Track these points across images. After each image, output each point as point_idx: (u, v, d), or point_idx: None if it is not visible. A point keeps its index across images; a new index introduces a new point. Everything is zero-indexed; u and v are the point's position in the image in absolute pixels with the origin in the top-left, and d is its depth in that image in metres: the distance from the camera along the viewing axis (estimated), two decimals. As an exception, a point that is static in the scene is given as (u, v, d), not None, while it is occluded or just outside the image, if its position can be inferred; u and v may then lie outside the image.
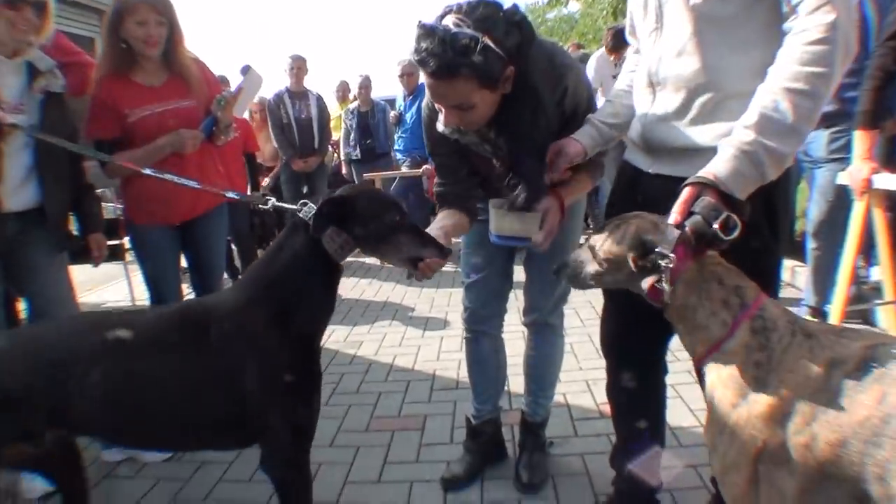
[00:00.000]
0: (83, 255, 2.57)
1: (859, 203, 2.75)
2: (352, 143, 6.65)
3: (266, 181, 6.03)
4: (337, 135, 7.27)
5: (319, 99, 5.99)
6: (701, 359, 1.28)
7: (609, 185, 5.56)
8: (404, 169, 6.42)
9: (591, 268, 1.39)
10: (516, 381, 2.57)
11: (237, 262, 5.31)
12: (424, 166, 5.64)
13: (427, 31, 1.50)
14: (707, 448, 1.30)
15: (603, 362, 1.88)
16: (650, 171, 1.58)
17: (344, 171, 7.04)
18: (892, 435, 1.01)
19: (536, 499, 2.18)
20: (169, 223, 2.63)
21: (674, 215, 1.22)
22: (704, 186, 1.20)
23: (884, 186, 2.62)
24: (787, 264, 4.19)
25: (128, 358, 1.52)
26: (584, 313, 3.93)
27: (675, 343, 1.45)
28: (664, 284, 1.22)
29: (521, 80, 1.62)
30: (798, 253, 4.03)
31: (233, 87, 2.72)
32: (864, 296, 3.54)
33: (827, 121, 3.06)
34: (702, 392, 1.31)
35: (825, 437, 1.07)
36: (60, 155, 2.20)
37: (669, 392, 1.89)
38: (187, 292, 2.94)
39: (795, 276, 4.23)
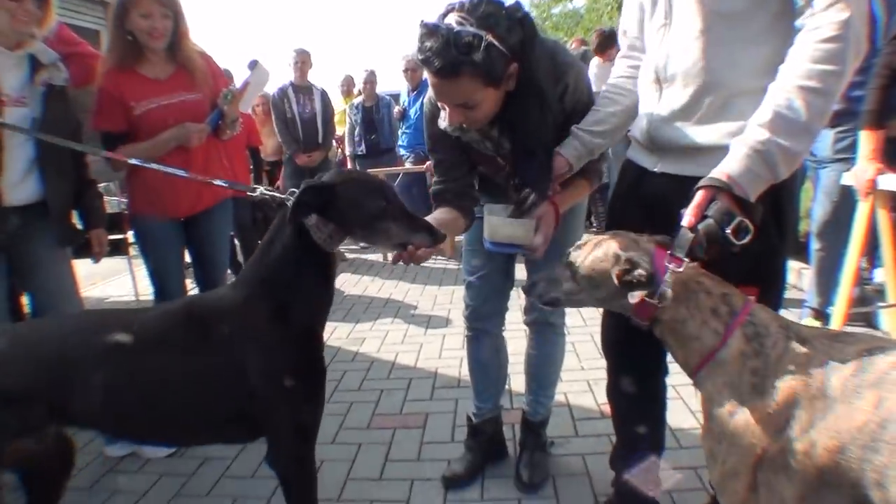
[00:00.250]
0: (85, 249, 2.58)
1: (864, 204, 2.74)
2: (356, 139, 6.65)
3: (279, 183, 6.03)
4: (341, 129, 7.27)
5: (323, 93, 5.98)
6: (696, 370, 1.27)
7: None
8: (408, 164, 6.42)
9: (567, 286, 1.38)
10: (518, 380, 2.57)
11: (240, 257, 5.32)
12: (428, 162, 5.63)
13: (430, 31, 1.50)
14: (706, 455, 1.30)
15: (604, 362, 1.88)
16: (655, 169, 1.56)
17: (349, 166, 7.04)
18: (889, 440, 1.01)
19: (536, 498, 2.18)
20: (173, 217, 2.64)
21: (687, 218, 1.20)
22: (718, 190, 1.19)
23: (889, 187, 2.61)
24: (793, 266, 4.18)
25: (133, 355, 1.52)
26: (586, 313, 3.92)
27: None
28: (667, 291, 1.21)
29: (525, 77, 1.61)
30: (802, 254, 4.02)
31: (238, 82, 2.71)
32: (867, 297, 3.53)
33: (832, 120, 3.04)
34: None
35: (823, 443, 1.07)
36: (63, 149, 2.19)
37: (670, 393, 1.89)
38: (191, 287, 2.94)
39: (801, 277, 4.22)
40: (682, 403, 2.66)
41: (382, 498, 2.24)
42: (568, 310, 2.29)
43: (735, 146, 1.23)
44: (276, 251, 1.54)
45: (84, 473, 2.50)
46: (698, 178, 1.32)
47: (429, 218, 1.79)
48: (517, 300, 2.28)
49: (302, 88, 5.83)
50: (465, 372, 2.72)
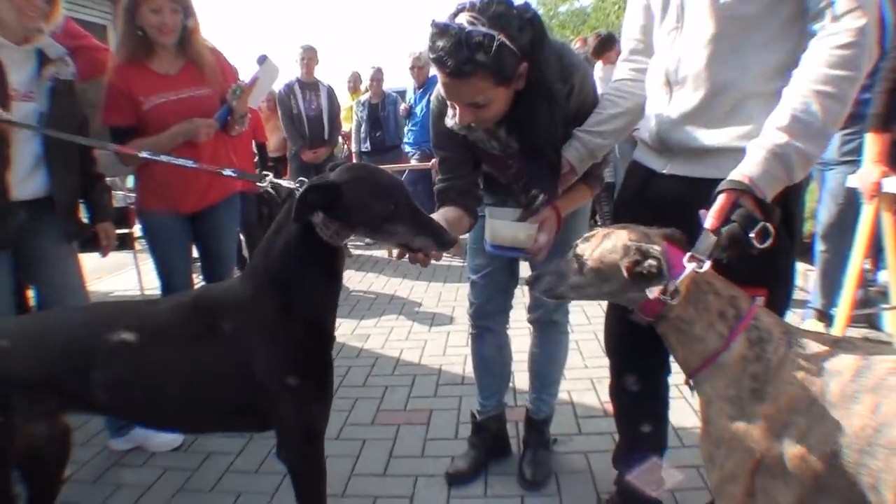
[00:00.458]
0: (92, 243, 2.58)
1: (868, 206, 2.74)
2: (362, 135, 6.66)
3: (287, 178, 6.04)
4: (347, 126, 7.28)
5: (330, 90, 5.99)
6: (695, 371, 1.28)
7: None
8: (414, 161, 6.43)
9: (575, 279, 1.37)
10: (522, 378, 2.58)
11: (245, 252, 5.34)
12: (434, 159, 5.62)
13: (442, 30, 1.50)
14: (704, 459, 1.30)
15: (608, 360, 1.89)
16: (664, 171, 1.57)
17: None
18: (885, 444, 1.02)
19: (539, 495, 2.19)
20: (180, 212, 2.65)
21: (710, 221, 1.20)
22: (741, 193, 1.19)
23: (893, 190, 2.61)
24: (797, 267, 4.17)
25: (144, 344, 1.54)
26: (590, 311, 3.93)
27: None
28: (677, 286, 1.21)
29: (534, 76, 1.62)
30: (806, 255, 4.02)
31: (245, 79, 2.72)
32: (870, 299, 3.53)
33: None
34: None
35: (821, 448, 1.09)
36: (69, 144, 2.20)
37: (672, 392, 1.90)
38: (198, 281, 2.96)
39: (806, 278, 4.21)
40: (685, 402, 2.67)
41: (386, 494, 2.26)
42: (571, 308, 2.30)
43: (752, 149, 1.23)
44: (280, 246, 1.52)
45: (89, 467, 2.52)
46: (708, 180, 1.33)
47: (434, 216, 1.76)
48: (521, 298, 2.29)
49: (308, 85, 5.84)
50: (469, 369, 2.74)
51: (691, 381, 1.33)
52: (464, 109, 1.66)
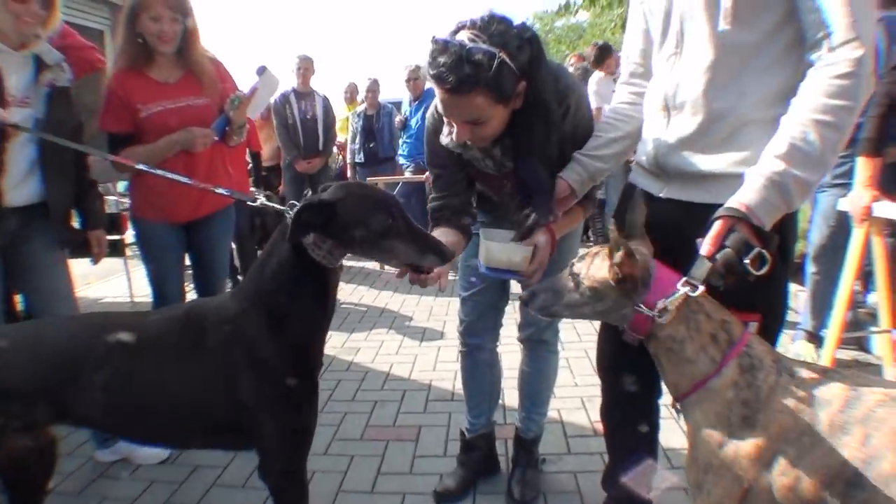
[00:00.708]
0: (83, 249, 2.57)
1: (859, 230, 2.76)
2: (356, 146, 6.67)
3: (282, 189, 6.04)
4: (343, 136, 7.29)
5: (325, 100, 6.00)
6: (684, 395, 1.28)
7: (615, 197, 5.57)
8: (408, 174, 6.44)
9: (571, 297, 1.37)
10: (512, 395, 2.57)
11: (237, 262, 5.32)
12: (428, 173, 5.63)
13: (443, 47, 1.50)
14: (690, 485, 1.29)
15: (598, 379, 1.89)
16: (661, 195, 1.57)
17: (349, 173, 7.05)
18: (874, 476, 1.02)
19: (527, 515, 2.18)
20: (174, 221, 2.64)
21: (705, 247, 1.21)
22: (737, 220, 1.20)
23: (884, 215, 2.64)
24: (790, 288, 4.18)
25: (131, 358, 1.54)
26: (581, 328, 3.94)
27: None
28: (667, 305, 1.22)
29: (531, 95, 1.63)
30: (797, 275, 4.04)
31: (244, 89, 2.70)
32: (860, 321, 3.55)
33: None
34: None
35: (809, 478, 1.08)
36: (64, 150, 2.19)
37: (663, 413, 1.89)
38: (189, 289, 2.94)
39: (796, 299, 4.23)
40: (675, 423, 2.66)
41: (373, 511, 2.24)
42: (562, 325, 2.30)
43: (751, 177, 1.24)
44: (272, 266, 1.52)
45: (74, 478, 2.50)
46: (704, 205, 1.34)
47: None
48: (512, 314, 2.29)
49: (304, 94, 5.84)
50: (458, 385, 2.73)
51: (678, 405, 1.33)
52: (461, 127, 1.65)
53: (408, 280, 1.59)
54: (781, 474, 1.12)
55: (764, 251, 1.16)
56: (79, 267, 2.63)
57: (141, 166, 2.10)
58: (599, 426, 2.02)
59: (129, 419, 1.60)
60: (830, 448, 1.07)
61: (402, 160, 6.68)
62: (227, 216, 2.81)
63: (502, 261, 1.72)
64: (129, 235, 4.59)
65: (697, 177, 1.46)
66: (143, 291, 3.32)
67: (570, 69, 6.77)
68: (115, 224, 4.83)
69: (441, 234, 1.87)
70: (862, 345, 3.47)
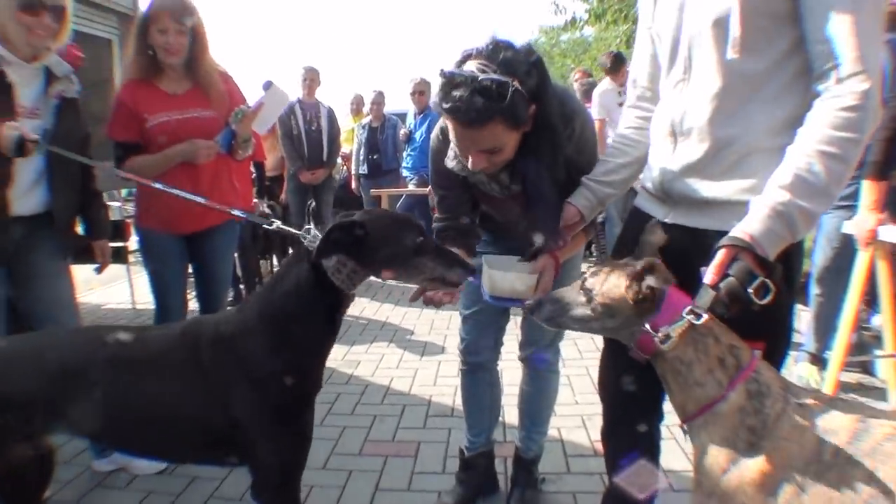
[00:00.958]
0: (86, 254, 2.59)
1: (864, 253, 2.75)
2: (360, 158, 6.69)
3: (283, 197, 6.04)
4: (348, 147, 7.30)
5: (330, 111, 6.03)
6: (691, 418, 1.27)
7: (615, 212, 5.55)
8: (411, 186, 6.45)
9: (581, 311, 1.36)
10: (512, 412, 2.55)
11: (238, 272, 5.31)
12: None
13: (455, 80, 1.49)
14: None
15: (599, 398, 1.87)
16: (666, 220, 1.57)
17: (353, 185, 7.05)
18: None
19: (526, 536, 2.17)
20: (178, 233, 2.65)
21: (709, 276, 1.21)
22: (740, 249, 1.20)
23: (889, 239, 2.63)
24: (795, 309, 4.17)
25: (129, 372, 1.53)
26: (582, 345, 3.92)
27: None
28: (670, 332, 1.21)
29: (540, 118, 1.62)
30: (800, 295, 4.02)
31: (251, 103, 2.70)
32: (865, 343, 3.53)
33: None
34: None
35: None
36: (71, 160, 2.21)
37: (664, 433, 1.88)
38: (192, 297, 2.94)
39: (799, 319, 4.22)
40: (676, 444, 2.65)
41: (371, 528, 2.23)
42: (563, 341, 2.29)
43: (756, 206, 1.24)
44: (286, 287, 1.52)
45: (70, 488, 2.48)
46: (709, 231, 1.35)
47: None
48: (514, 330, 2.28)
49: (309, 105, 5.87)
50: (459, 400, 2.71)
51: (685, 427, 1.32)
52: (477, 156, 1.64)
53: (423, 301, 1.62)
54: (786, 503, 1.10)
55: (767, 280, 1.16)
56: (81, 272, 2.63)
57: (158, 185, 2.10)
58: (599, 445, 2.00)
59: (122, 432, 1.59)
60: (837, 480, 1.06)
61: (405, 172, 6.69)
62: (231, 228, 2.81)
63: (506, 289, 1.72)
64: (133, 242, 4.60)
65: (703, 203, 1.46)
66: (145, 298, 3.32)
67: (576, 84, 6.80)
68: (118, 231, 4.84)
69: None
70: (866, 368, 3.45)
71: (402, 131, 6.59)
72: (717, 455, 1.20)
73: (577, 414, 3.04)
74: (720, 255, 1.21)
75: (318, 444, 1.66)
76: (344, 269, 1.48)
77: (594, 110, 5.68)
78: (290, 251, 7.12)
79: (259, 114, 2.58)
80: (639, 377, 1.66)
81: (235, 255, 5.11)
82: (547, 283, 1.73)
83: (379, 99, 6.63)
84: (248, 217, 2.12)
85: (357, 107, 7.81)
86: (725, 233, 1.24)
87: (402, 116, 6.85)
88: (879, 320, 3.07)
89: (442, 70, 1.52)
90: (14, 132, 1.98)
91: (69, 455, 2.68)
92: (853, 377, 3.39)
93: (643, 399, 1.73)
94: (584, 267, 2.06)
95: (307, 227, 1.54)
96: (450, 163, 1.77)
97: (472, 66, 1.50)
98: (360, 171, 6.72)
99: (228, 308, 2.76)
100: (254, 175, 5.51)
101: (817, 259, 3.36)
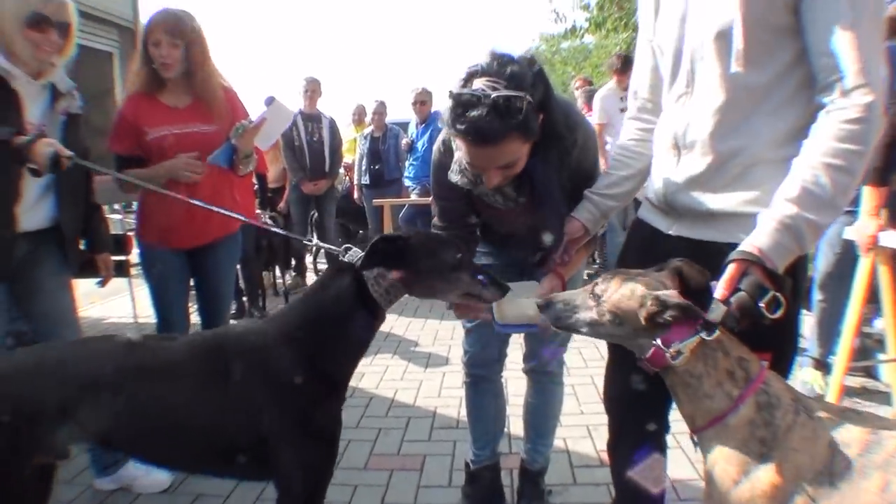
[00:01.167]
0: (88, 268, 2.58)
1: (865, 259, 2.75)
2: (363, 168, 6.70)
3: (281, 205, 6.05)
4: (350, 158, 7.32)
5: (332, 122, 6.04)
6: (700, 430, 1.26)
7: (616, 220, 5.52)
8: (414, 196, 6.45)
9: (588, 315, 1.36)
10: (517, 424, 2.54)
11: (241, 284, 5.31)
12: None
13: (468, 101, 1.48)
14: None
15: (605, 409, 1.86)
16: (670, 232, 1.57)
17: (356, 195, 7.06)
18: None
19: (533, 549, 2.15)
20: (179, 248, 2.64)
21: (720, 291, 1.21)
22: (750, 263, 1.20)
23: (890, 244, 2.63)
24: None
25: (155, 381, 1.53)
26: (587, 354, 3.91)
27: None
28: (681, 349, 1.21)
29: (547, 127, 1.62)
30: (804, 300, 4.01)
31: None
32: (867, 348, 3.52)
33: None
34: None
35: None
36: (77, 175, 2.22)
37: (670, 442, 1.87)
38: (193, 310, 2.93)
39: (803, 324, 4.20)
40: (682, 453, 2.63)
41: (377, 543, 2.21)
42: (568, 351, 2.29)
43: (764, 220, 1.24)
44: (325, 298, 1.54)
45: (73, 506, 2.47)
46: (714, 243, 1.36)
47: None
48: (518, 340, 2.28)
49: (311, 116, 5.89)
50: (464, 412, 2.70)
51: (695, 437, 1.32)
52: (493, 173, 1.63)
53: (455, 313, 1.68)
54: (797, 517, 1.10)
55: (778, 294, 1.16)
56: (82, 285, 2.63)
57: (198, 202, 2.12)
58: (605, 456, 1.99)
59: (146, 441, 1.58)
60: (848, 492, 1.06)
61: (408, 182, 6.70)
62: (233, 242, 2.81)
63: (515, 316, 1.72)
64: (134, 255, 4.59)
65: (707, 215, 1.46)
66: (146, 312, 3.31)
67: (577, 92, 6.82)
68: (120, 244, 4.83)
69: None
70: (870, 372, 3.44)
71: (405, 141, 6.60)
72: (727, 467, 1.20)
73: (583, 424, 3.03)
74: (730, 270, 1.21)
75: (324, 459, 1.65)
76: (383, 281, 1.52)
77: (595, 114, 5.68)
78: (293, 263, 7.10)
79: (261, 129, 2.54)
80: (646, 391, 1.65)
81: (238, 267, 5.14)
82: None
83: (381, 109, 6.64)
84: (286, 236, 2.13)
85: (359, 117, 7.83)
86: (730, 244, 1.25)
87: (405, 126, 6.86)
88: (882, 324, 3.07)
89: (451, 92, 1.51)
90: (49, 149, 1.97)
91: (71, 474, 2.66)
92: (857, 381, 3.39)
93: (649, 411, 1.73)
94: (584, 275, 2.07)
95: (346, 245, 1.59)
96: (454, 177, 1.76)
97: (480, 84, 1.49)
98: (363, 182, 6.73)
99: (240, 321, 2.75)
100: (256, 187, 5.54)
101: (820, 265, 3.36)
